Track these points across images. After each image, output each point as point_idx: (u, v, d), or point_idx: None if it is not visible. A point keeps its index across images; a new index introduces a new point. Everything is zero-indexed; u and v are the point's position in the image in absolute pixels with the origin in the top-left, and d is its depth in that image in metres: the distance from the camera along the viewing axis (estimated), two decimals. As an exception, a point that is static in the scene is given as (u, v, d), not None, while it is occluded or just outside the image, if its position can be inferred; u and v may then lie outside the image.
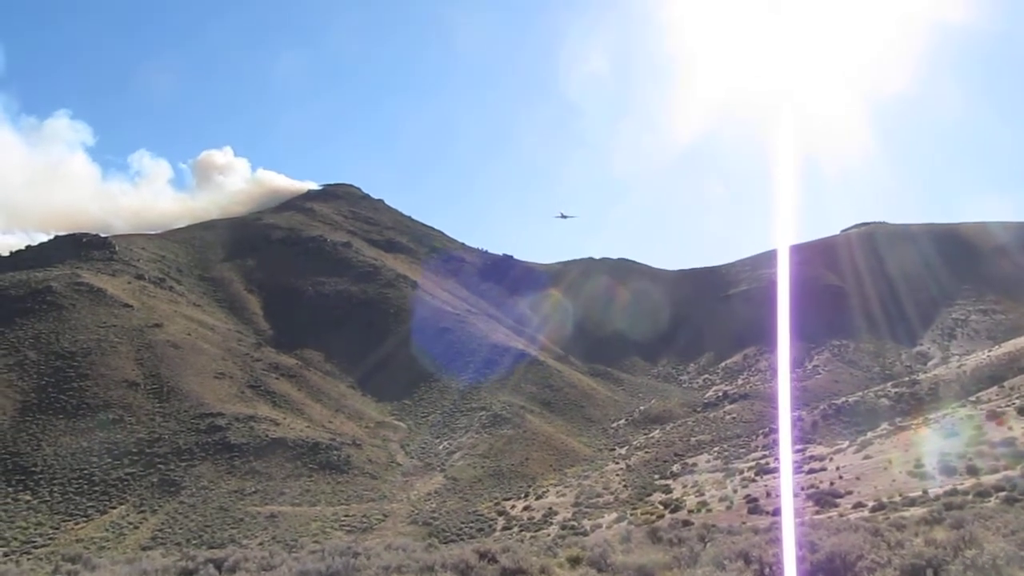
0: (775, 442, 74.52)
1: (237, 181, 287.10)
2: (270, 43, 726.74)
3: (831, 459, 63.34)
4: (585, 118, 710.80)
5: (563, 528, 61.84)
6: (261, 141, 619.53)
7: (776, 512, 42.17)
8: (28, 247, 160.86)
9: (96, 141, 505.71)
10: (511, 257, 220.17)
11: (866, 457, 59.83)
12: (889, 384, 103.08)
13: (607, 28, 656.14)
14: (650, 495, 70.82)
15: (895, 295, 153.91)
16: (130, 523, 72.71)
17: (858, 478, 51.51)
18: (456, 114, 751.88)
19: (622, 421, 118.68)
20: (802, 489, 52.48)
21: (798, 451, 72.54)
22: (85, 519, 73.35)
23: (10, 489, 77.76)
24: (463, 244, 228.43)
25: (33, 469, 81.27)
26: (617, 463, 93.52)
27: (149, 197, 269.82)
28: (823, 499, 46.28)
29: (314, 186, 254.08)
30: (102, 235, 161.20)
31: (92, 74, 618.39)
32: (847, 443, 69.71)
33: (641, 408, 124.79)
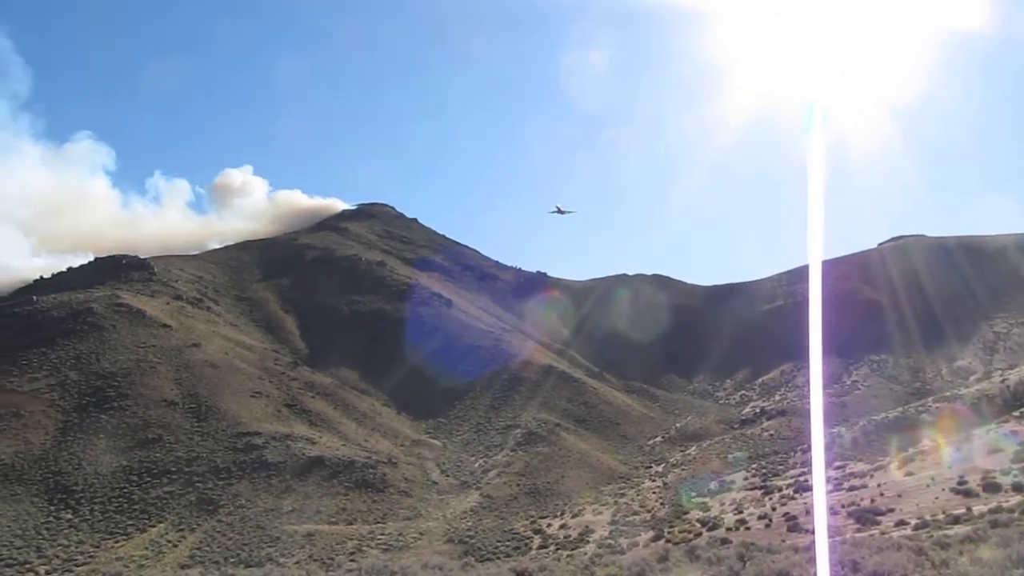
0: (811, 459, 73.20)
1: (256, 201, 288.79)
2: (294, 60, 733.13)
3: (872, 476, 62.44)
4: (613, 130, 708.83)
5: (600, 547, 61.39)
6: (292, 160, 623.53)
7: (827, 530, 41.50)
8: (69, 269, 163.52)
9: (116, 161, 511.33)
10: (545, 274, 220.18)
11: (908, 474, 58.94)
12: (930, 399, 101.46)
13: (638, 41, 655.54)
14: (687, 513, 70.14)
15: (933, 309, 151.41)
16: (169, 541, 73.30)
17: (900, 495, 50.74)
18: (490, 134, 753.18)
19: (658, 438, 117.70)
20: (842, 507, 51.74)
21: (837, 468, 71.55)
22: (125, 537, 74.08)
23: (52, 507, 78.82)
24: (497, 262, 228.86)
25: (74, 488, 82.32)
26: (653, 480, 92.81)
27: (173, 219, 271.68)
28: (864, 517, 45.61)
29: (348, 206, 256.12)
30: (141, 256, 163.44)
31: (109, 96, 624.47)
32: (888, 459, 68.68)
33: (677, 425, 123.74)
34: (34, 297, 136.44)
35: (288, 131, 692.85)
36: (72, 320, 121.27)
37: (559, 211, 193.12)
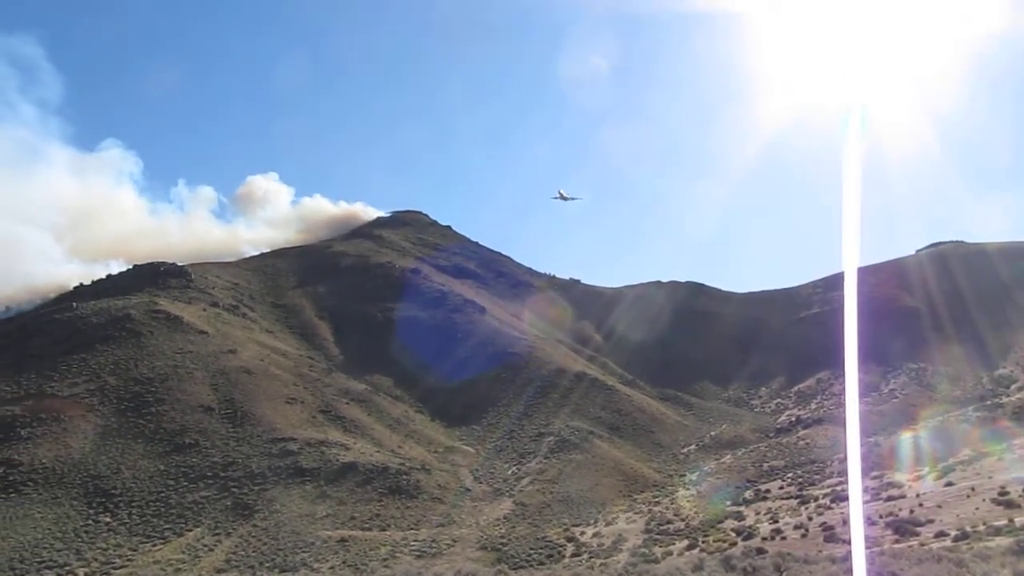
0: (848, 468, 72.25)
1: (281, 208, 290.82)
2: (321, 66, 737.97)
3: (910, 486, 61.63)
4: (644, 135, 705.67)
5: (633, 555, 61.07)
6: (315, 168, 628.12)
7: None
8: (108, 276, 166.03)
9: (142, 169, 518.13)
10: (578, 281, 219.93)
11: (947, 484, 58.10)
12: (970, 408, 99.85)
13: (670, 44, 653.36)
14: (722, 522, 69.58)
15: (973, 316, 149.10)
16: (205, 545, 73.98)
17: (939, 506, 50.02)
18: (523, 142, 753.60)
19: (692, 446, 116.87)
20: (880, 517, 51.14)
21: (875, 478, 70.65)
22: (162, 541, 74.89)
23: (91, 511, 79.93)
24: (530, 269, 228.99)
25: (113, 492, 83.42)
26: (688, 489, 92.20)
27: (200, 227, 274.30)
28: (903, 527, 45.05)
29: (381, 213, 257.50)
30: (178, 264, 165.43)
31: (134, 103, 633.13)
32: (927, 469, 67.72)
33: (712, 433, 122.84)
34: (74, 304, 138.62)
35: (312, 138, 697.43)
36: (111, 326, 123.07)
37: (562, 197, 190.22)
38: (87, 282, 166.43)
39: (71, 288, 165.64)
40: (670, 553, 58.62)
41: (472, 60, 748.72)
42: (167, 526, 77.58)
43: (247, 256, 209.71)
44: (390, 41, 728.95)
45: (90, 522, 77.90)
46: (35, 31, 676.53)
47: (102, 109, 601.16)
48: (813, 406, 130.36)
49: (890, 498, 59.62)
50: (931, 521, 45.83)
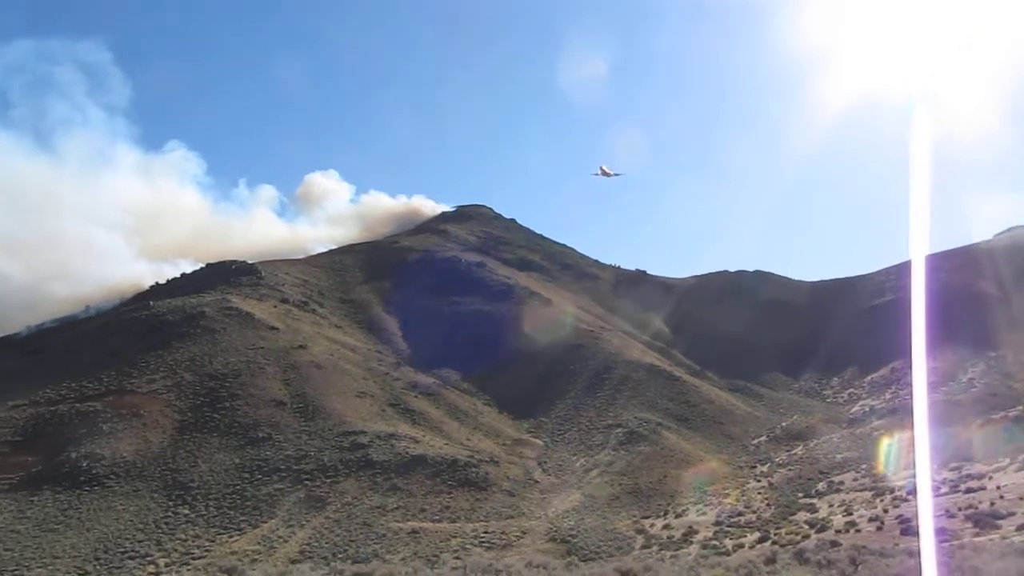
0: (930, 458, 70.54)
1: (342, 205, 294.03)
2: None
3: (990, 478, 59.92)
4: (720, 125, 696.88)
5: (704, 547, 60.49)
6: (375, 163, 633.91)
7: (935, 533, 40.06)
8: (183, 275, 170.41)
9: (205, 170, 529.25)
10: (644, 272, 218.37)
11: (1030, 476, 56.32)
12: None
13: (734, 26, 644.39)
14: (794, 514, 68.56)
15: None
16: (279, 537, 75.40)
17: (1021, 498, 48.48)
18: (587, 133, 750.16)
19: (763, 437, 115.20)
20: (959, 510, 49.79)
21: (953, 469, 68.87)
22: (238, 532, 76.57)
23: (170, 503, 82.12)
24: (596, 260, 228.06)
25: (190, 484, 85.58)
26: (759, 481, 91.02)
27: (263, 226, 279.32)
28: (983, 520, 43.80)
29: (446, 207, 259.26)
30: (249, 262, 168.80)
31: (198, 104, 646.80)
32: (1008, 461, 65.72)
33: (783, 424, 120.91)
34: (150, 302, 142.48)
35: (369, 135, 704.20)
36: (186, 324, 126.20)
37: (604, 174, 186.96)
38: (157, 281, 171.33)
39: (144, 287, 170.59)
40: (741, 546, 57.92)
41: (527, 55, 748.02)
42: (243, 518, 79.28)
43: (315, 253, 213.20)
44: (447, 41, 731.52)
45: (169, 514, 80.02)
46: (102, 37, 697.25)
47: (166, 110, 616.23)
48: (887, 396, 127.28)
49: (969, 490, 58.04)
50: (1012, 514, 44.45)
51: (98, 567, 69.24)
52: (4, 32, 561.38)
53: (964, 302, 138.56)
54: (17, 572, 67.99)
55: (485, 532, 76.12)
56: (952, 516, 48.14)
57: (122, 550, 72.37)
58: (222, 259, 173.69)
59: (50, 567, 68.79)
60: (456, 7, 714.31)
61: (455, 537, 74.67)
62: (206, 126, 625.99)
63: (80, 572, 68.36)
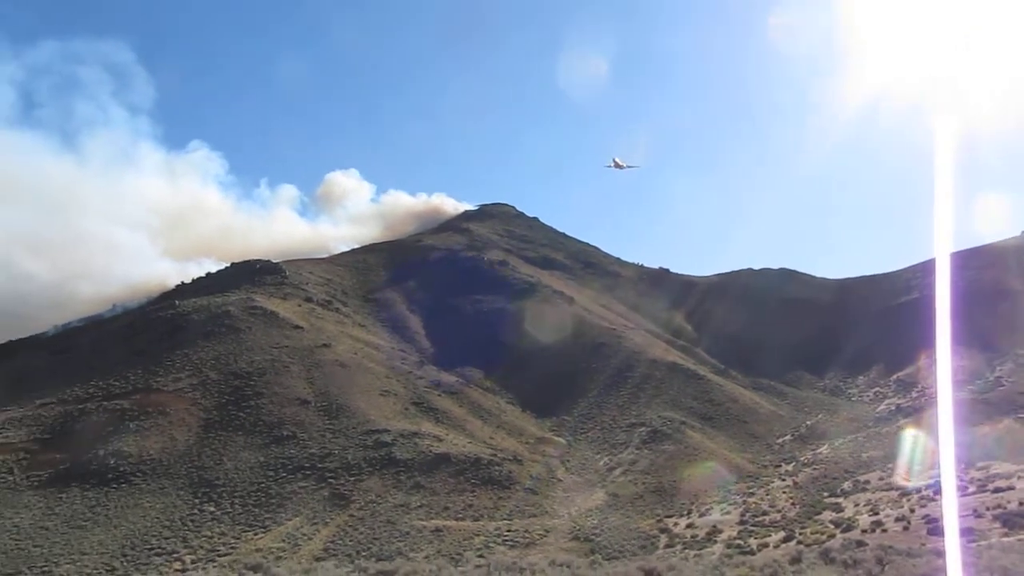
0: (957, 458, 70.01)
1: (363, 204, 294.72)
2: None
3: (1019, 477, 59.27)
4: (746, 121, 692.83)
5: (728, 547, 60.26)
6: (395, 161, 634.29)
7: (962, 533, 39.71)
8: (208, 274, 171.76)
9: (227, 169, 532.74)
10: (667, 270, 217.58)
11: (1060, 475, 55.66)
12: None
13: (750, 20, 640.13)
14: (820, 514, 68.15)
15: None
16: (304, 534, 75.81)
17: (1052, 497, 47.93)
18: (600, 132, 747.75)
19: (787, 436, 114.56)
20: (987, 509, 49.35)
21: (981, 469, 68.22)
22: (263, 530, 77.03)
23: (196, 500, 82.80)
24: (619, 259, 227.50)
25: (216, 482, 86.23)
26: (783, 480, 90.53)
27: (284, 225, 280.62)
28: (1012, 520, 43.36)
29: (470, 207, 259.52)
30: (273, 261, 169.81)
31: (220, 104, 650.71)
32: (1038, 460, 65.03)
33: (807, 423, 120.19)
34: (176, 301, 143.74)
35: (391, 133, 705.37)
36: (211, 323, 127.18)
37: (616, 165, 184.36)
38: (182, 280, 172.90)
39: (169, 286, 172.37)
40: (766, 545, 57.68)
41: (545, 52, 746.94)
42: (267, 515, 79.75)
43: (338, 252, 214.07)
44: (462, 41, 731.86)
45: (195, 511, 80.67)
46: (126, 37, 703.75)
47: (189, 110, 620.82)
48: (914, 394, 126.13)
49: (997, 490, 57.48)
50: (1042, 513, 43.98)
51: (125, 564, 69.95)
52: (30, 33, 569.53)
53: (991, 300, 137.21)
54: (46, 568, 68.89)
55: (508, 530, 76.18)
56: (980, 516, 47.67)
57: (149, 547, 73.07)
58: (245, 258, 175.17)
59: (78, 563, 69.62)
60: (475, 7, 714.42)
61: (478, 535, 74.78)
62: (227, 126, 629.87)
63: (108, 568, 69.10)
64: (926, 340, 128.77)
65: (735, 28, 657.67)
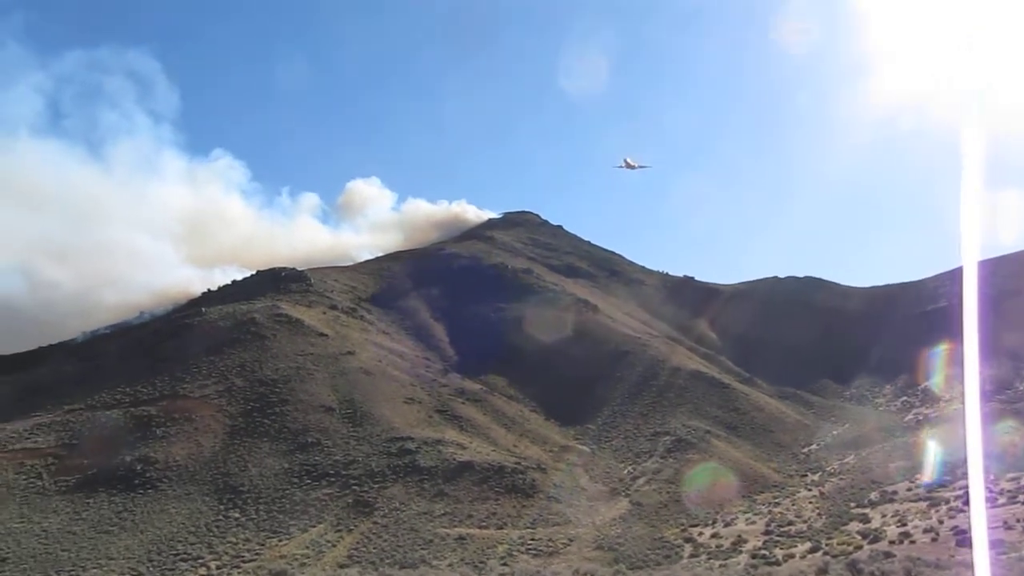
0: (985, 468, 68.95)
1: (384, 212, 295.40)
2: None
3: (1052, 488, 58.43)
4: (766, 130, 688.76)
5: (754, 557, 59.84)
6: (418, 170, 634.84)
7: (991, 545, 39.13)
8: (233, 282, 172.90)
9: (249, 178, 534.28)
10: (692, 278, 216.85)
11: (1093, 486, 54.84)
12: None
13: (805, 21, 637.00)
14: (846, 524, 67.50)
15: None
16: (328, 541, 76.05)
17: (1084, 509, 47.22)
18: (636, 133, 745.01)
19: (814, 446, 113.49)
20: (1018, 521, 48.74)
21: (1012, 479, 67.36)
22: (288, 536, 77.34)
23: (222, 507, 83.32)
24: (643, 267, 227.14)
25: (241, 488, 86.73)
26: (809, 490, 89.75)
27: (307, 233, 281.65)
28: (1044, 532, 42.72)
29: (494, 214, 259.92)
30: (298, 269, 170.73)
31: (242, 113, 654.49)
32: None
33: (834, 432, 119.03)
34: (203, 309, 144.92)
35: (414, 140, 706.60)
36: (237, 330, 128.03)
37: (627, 166, 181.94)
38: (206, 287, 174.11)
39: (193, 293, 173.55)
40: (792, 556, 57.20)
41: (564, 59, 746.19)
42: (292, 522, 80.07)
43: (359, 260, 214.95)
44: (506, 46, 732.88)
45: (220, 517, 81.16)
46: (150, 46, 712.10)
47: (211, 118, 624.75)
48: (941, 404, 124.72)
49: (1029, 501, 56.81)
50: (1075, 525, 43.37)
51: (151, 569, 70.48)
52: (56, 43, 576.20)
53: (1019, 308, 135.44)
54: (73, 572, 69.57)
55: (532, 539, 76.03)
56: (1010, 528, 47.09)
57: (175, 552, 73.59)
58: (268, 266, 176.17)
59: (105, 568, 70.23)
60: (494, 17, 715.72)
61: (502, 543, 74.66)
62: (250, 134, 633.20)
63: (134, 573, 69.64)
64: (954, 349, 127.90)
65: (760, 34, 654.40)
